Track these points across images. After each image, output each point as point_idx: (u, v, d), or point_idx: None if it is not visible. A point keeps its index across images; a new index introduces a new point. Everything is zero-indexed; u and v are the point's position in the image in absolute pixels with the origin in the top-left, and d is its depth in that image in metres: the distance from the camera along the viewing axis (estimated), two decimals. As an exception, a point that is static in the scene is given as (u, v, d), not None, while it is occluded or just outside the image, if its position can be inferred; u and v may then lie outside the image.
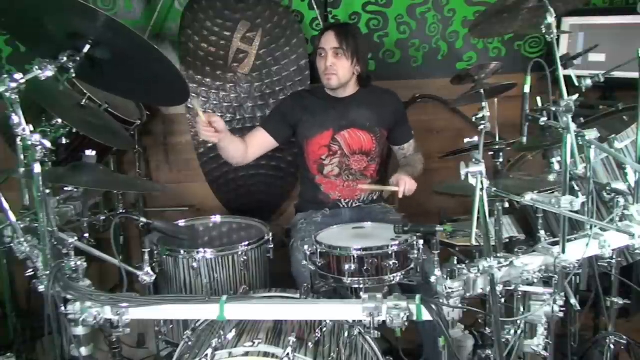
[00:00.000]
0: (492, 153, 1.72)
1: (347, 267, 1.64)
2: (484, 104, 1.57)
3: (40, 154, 1.28)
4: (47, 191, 1.37)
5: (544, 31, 1.40)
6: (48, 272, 1.32)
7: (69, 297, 1.33)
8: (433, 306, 1.29)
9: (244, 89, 2.81)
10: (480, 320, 1.68)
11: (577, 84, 1.73)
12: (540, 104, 1.64)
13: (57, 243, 1.39)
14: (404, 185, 2.06)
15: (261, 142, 2.30)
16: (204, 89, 2.77)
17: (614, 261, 1.69)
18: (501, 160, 1.72)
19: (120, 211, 2.68)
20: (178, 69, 2.66)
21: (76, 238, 1.42)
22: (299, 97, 2.41)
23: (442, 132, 3.06)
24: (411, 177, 2.12)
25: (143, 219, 1.66)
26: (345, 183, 2.33)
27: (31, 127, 1.28)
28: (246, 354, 1.35)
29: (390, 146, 2.50)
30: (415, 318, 1.31)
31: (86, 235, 2.01)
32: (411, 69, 3.04)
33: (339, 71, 2.22)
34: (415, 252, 1.68)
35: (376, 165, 2.38)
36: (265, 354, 1.34)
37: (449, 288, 1.24)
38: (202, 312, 1.42)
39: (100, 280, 2.65)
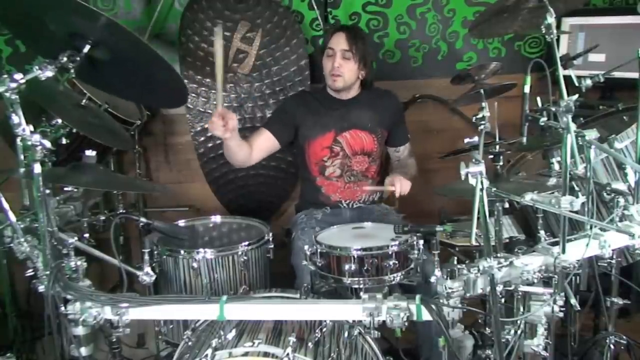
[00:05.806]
0: (492, 157, 1.72)
1: (347, 267, 1.64)
2: (484, 104, 1.57)
3: (40, 154, 1.28)
4: (47, 191, 1.37)
5: (544, 31, 1.40)
6: (48, 272, 1.32)
7: (69, 297, 1.33)
8: (433, 306, 1.29)
9: (244, 89, 2.81)
10: (480, 320, 1.68)
11: (577, 84, 1.73)
12: (540, 104, 1.64)
13: (57, 243, 1.39)
14: (399, 183, 2.08)
15: (265, 144, 2.27)
16: (204, 89, 2.77)
17: (614, 261, 1.69)
18: (501, 163, 1.72)
19: (120, 211, 2.68)
20: (178, 69, 2.70)
21: (76, 238, 1.42)
22: (300, 98, 2.40)
23: (442, 132, 3.05)
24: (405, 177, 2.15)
25: (143, 219, 1.66)
26: (346, 185, 2.33)
27: (31, 127, 1.28)
28: (246, 354, 1.35)
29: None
30: (415, 318, 1.31)
31: (86, 235, 2.01)
32: (411, 69, 3.04)
33: (345, 74, 2.21)
34: (415, 252, 1.68)
35: (377, 167, 2.38)
36: (265, 354, 1.34)
37: (449, 288, 1.24)
38: (202, 312, 1.41)
39: (100, 280, 2.65)
